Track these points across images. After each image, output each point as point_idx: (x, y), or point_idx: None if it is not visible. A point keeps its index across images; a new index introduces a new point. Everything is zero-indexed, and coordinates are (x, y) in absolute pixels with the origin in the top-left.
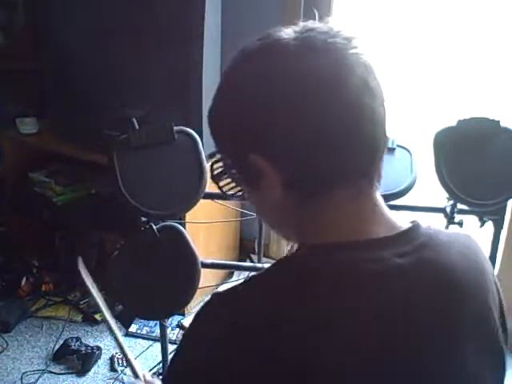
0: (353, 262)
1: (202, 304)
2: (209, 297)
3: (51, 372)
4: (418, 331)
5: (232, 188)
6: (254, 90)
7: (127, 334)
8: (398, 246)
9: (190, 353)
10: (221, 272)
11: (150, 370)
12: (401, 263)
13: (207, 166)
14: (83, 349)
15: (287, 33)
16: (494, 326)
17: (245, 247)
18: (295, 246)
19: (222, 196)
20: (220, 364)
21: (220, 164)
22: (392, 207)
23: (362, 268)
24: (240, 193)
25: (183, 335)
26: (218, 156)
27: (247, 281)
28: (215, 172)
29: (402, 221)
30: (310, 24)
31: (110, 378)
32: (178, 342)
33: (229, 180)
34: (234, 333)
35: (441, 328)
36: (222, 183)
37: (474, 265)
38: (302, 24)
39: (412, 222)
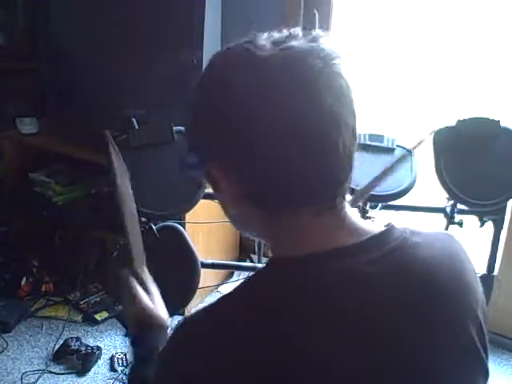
0: (317, 273)
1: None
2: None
3: (51, 372)
4: (394, 337)
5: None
6: (220, 99)
7: (127, 334)
8: (366, 253)
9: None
10: (221, 272)
11: None
12: (369, 271)
13: None
14: (83, 349)
15: (265, 45)
16: (475, 325)
17: (245, 247)
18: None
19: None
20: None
21: (189, 159)
22: (392, 207)
23: (327, 279)
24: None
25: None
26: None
27: (221, 300)
28: (185, 164)
29: (375, 226)
30: (294, 34)
31: (109, 378)
32: None
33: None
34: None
35: (417, 331)
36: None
37: (453, 265)
38: (286, 32)
39: (386, 226)
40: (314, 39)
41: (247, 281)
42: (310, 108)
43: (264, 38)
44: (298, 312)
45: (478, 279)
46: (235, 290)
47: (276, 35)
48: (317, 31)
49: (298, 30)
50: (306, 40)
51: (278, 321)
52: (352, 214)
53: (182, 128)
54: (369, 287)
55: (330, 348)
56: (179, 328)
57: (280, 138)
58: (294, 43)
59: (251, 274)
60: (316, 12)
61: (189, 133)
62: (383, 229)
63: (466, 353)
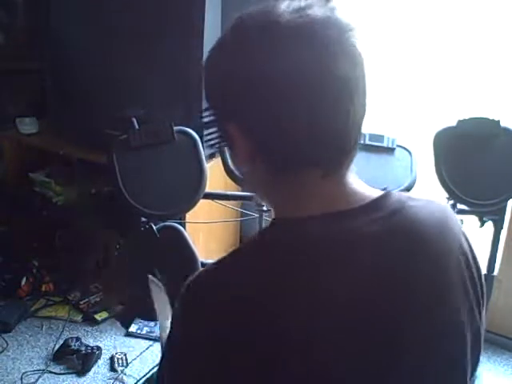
0: (325, 233)
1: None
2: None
3: (51, 372)
4: (391, 295)
5: (214, 139)
6: (241, 60)
7: (127, 334)
8: (368, 214)
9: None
10: None
11: (150, 371)
12: (372, 230)
13: (207, 166)
14: (83, 349)
15: (284, 11)
16: (464, 289)
17: None
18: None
19: (222, 196)
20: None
21: (205, 113)
22: None
23: (333, 238)
24: (219, 142)
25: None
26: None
27: (222, 259)
28: (205, 119)
29: (374, 192)
30: (312, 6)
31: (109, 378)
32: None
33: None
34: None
35: (414, 290)
36: (206, 131)
37: (445, 227)
38: (306, 2)
39: (383, 190)
40: (331, 10)
41: (249, 241)
42: (325, 73)
43: (285, 5)
44: (297, 273)
45: (466, 238)
46: (236, 250)
47: (295, 3)
48: (333, 3)
49: (315, 1)
50: (323, 10)
51: (275, 282)
52: (354, 179)
53: (182, 128)
54: (371, 244)
55: (308, 313)
56: (185, 290)
57: (295, 99)
58: (310, 12)
59: (255, 234)
60: None
61: (209, 92)
62: (382, 193)
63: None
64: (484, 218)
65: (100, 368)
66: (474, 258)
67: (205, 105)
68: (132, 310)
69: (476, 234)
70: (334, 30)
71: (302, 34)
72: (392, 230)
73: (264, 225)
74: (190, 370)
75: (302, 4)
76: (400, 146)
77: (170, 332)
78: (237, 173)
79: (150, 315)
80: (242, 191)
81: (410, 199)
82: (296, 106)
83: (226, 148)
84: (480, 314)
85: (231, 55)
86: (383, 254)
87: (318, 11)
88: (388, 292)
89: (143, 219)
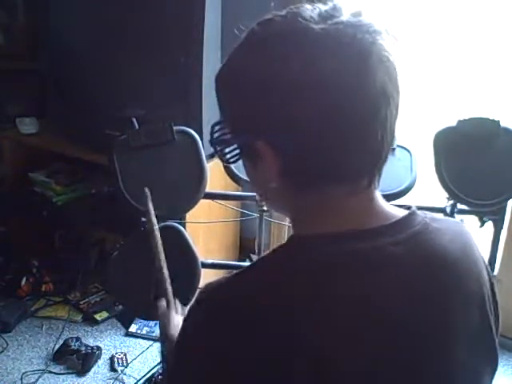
0: (347, 251)
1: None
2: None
3: (51, 372)
4: (412, 319)
5: (230, 154)
6: (273, 74)
7: (127, 334)
8: (392, 235)
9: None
10: (221, 272)
11: (150, 370)
12: (395, 251)
13: (207, 166)
14: (83, 349)
15: (313, 17)
16: (487, 313)
17: (245, 247)
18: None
19: (222, 196)
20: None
21: (220, 128)
22: None
23: (356, 257)
24: (237, 159)
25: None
26: (221, 120)
27: (240, 273)
28: (215, 135)
29: (399, 211)
30: (339, 11)
31: (109, 378)
32: None
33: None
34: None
35: (433, 315)
36: (219, 147)
37: (467, 252)
38: (330, 7)
39: (408, 210)
40: (358, 14)
41: (266, 256)
42: (363, 86)
43: (310, 10)
44: (314, 292)
45: (485, 266)
46: (254, 265)
47: (321, 8)
48: (356, 8)
49: (339, 3)
50: (351, 15)
51: (291, 298)
52: (379, 196)
53: (182, 128)
54: (394, 265)
55: (335, 334)
56: (200, 301)
57: (331, 115)
58: (342, 18)
59: (272, 248)
60: None
61: (233, 107)
62: (407, 213)
63: (480, 341)
64: (484, 218)
65: (100, 368)
66: (492, 282)
67: (216, 119)
68: (133, 310)
69: (476, 234)
70: (366, 35)
71: (338, 42)
72: (414, 252)
73: (264, 225)
74: (214, 379)
75: (328, 9)
76: (400, 146)
77: (182, 343)
78: (236, 171)
79: (150, 315)
80: (244, 191)
81: (433, 220)
82: (332, 122)
83: (246, 166)
84: (497, 333)
85: (263, 68)
86: (405, 276)
87: (347, 17)
88: (403, 314)
89: (143, 219)
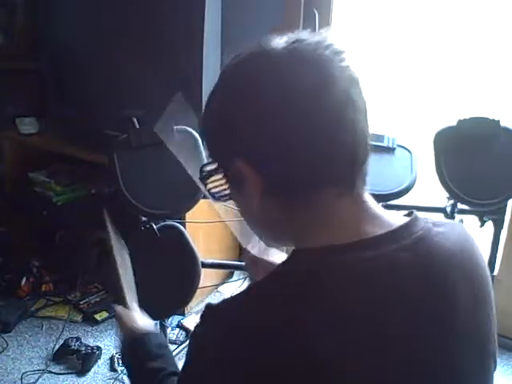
0: (348, 263)
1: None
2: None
3: (51, 372)
4: (415, 324)
5: (218, 190)
6: (242, 93)
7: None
8: (396, 241)
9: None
10: (221, 272)
11: None
12: (400, 258)
13: None
14: (83, 349)
15: (277, 42)
16: (489, 318)
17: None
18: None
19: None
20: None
21: (208, 167)
22: (392, 207)
23: (357, 269)
24: (226, 194)
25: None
26: (208, 159)
27: (247, 290)
28: (203, 174)
29: (396, 217)
30: (302, 35)
31: (109, 378)
32: (177, 342)
33: (216, 182)
34: (239, 344)
35: (440, 318)
36: (209, 185)
37: (470, 254)
38: (294, 34)
39: (409, 216)
40: (322, 38)
41: (272, 274)
42: (328, 88)
43: (276, 39)
44: (320, 306)
45: (487, 270)
46: (260, 282)
47: (286, 37)
48: (322, 32)
49: (305, 32)
50: (314, 37)
51: (298, 315)
52: (370, 199)
53: (182, 127)
54: (400, 271)
55: (340, 344)
56: (208, 317)
57: (296, 124)
58: (303, 39)
59: (278, 265)
60: (316, 12)
61: (213, 133)
62: (409, 218)
63: (481, 347)
64: (484, 218)
65: (100, 368)
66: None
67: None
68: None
69: (476, 234)
70: (326, 52)
71: (299, 57)
72: (420, 257)
73: None
74: None
75: (294, 35)
76: (400, 146)
77: (191, 363)
78: None
79: (150, 315)
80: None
81: (435, 225)
82: (299, 130)
83: (234, 198)
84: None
85: (238, 91)
86: (410, 282)
87: (308, 38)
88: (411, 318)
89: (144, 219)
